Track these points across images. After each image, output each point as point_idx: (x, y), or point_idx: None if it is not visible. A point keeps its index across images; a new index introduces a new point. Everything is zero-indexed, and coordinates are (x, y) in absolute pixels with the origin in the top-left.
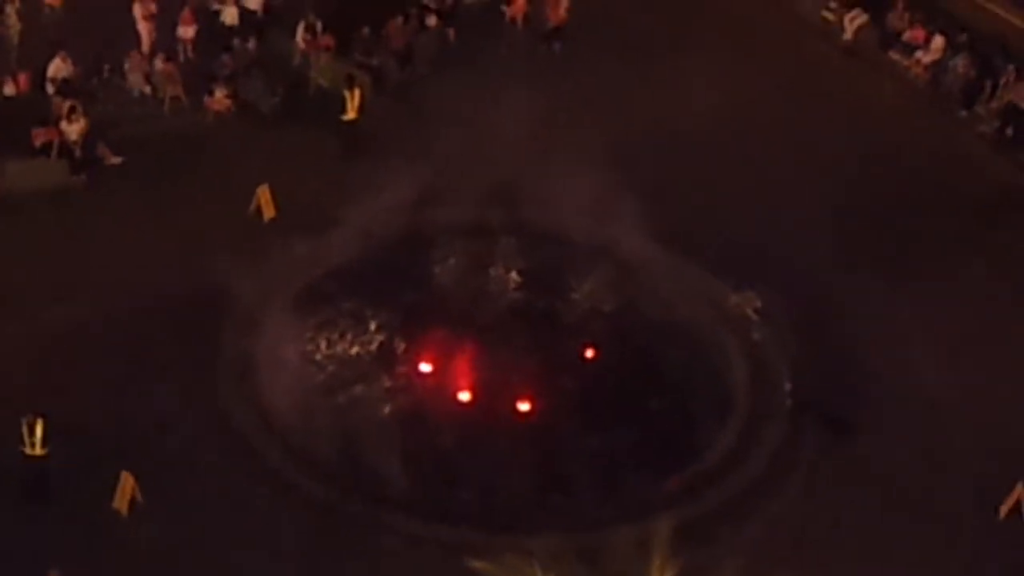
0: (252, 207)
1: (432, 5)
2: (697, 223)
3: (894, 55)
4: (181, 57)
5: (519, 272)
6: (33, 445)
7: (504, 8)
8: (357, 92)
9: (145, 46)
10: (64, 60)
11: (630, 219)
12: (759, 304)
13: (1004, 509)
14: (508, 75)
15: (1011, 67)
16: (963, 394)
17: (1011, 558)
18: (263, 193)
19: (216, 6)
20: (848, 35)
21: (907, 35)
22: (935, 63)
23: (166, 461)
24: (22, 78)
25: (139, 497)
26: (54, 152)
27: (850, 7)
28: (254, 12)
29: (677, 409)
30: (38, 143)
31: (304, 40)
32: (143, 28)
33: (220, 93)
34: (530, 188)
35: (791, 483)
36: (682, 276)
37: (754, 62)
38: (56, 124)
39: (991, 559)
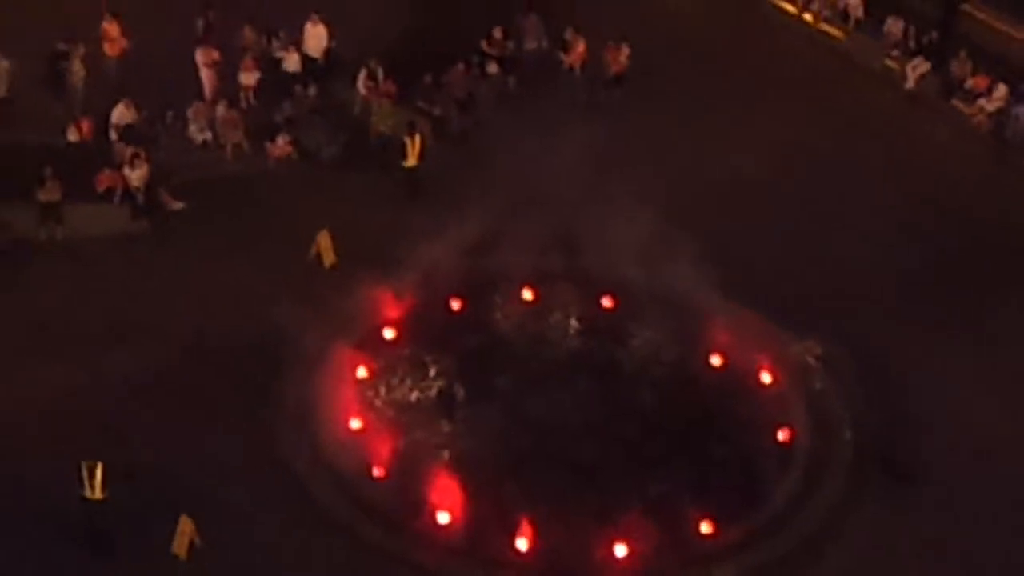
0: (312, 253)
1: (493, 53)
2: (757, 271)
3: (957, 103)
4: (243, 104)
5: (579, 319)
6: (93, 489)
7: (562, 56)
8: (418, 139)
9: (207, 93)
10: (128, 107)
11: (690, 267)
12: (820, 352)
13: None
14: (568, 123)
15: None
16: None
17: None
18: (323, 239)
19: (279, 53)
20: (911, 83)
21: (970, 83)
22: (998, 111)
23: (225, 507)
24: (86, 124)
25: (198, 542)
26: (117, 197)
27: (912, 55)
28: (316, 59)
29: (738, 458)
30: (101, 188)
31: (366, 87)
32: (205, 75)
33: (281, 140)
34: (590, 235)
35: (851, 534)
36: (743, 325)
37: (816, 111)
38: (119, 170)
39: None
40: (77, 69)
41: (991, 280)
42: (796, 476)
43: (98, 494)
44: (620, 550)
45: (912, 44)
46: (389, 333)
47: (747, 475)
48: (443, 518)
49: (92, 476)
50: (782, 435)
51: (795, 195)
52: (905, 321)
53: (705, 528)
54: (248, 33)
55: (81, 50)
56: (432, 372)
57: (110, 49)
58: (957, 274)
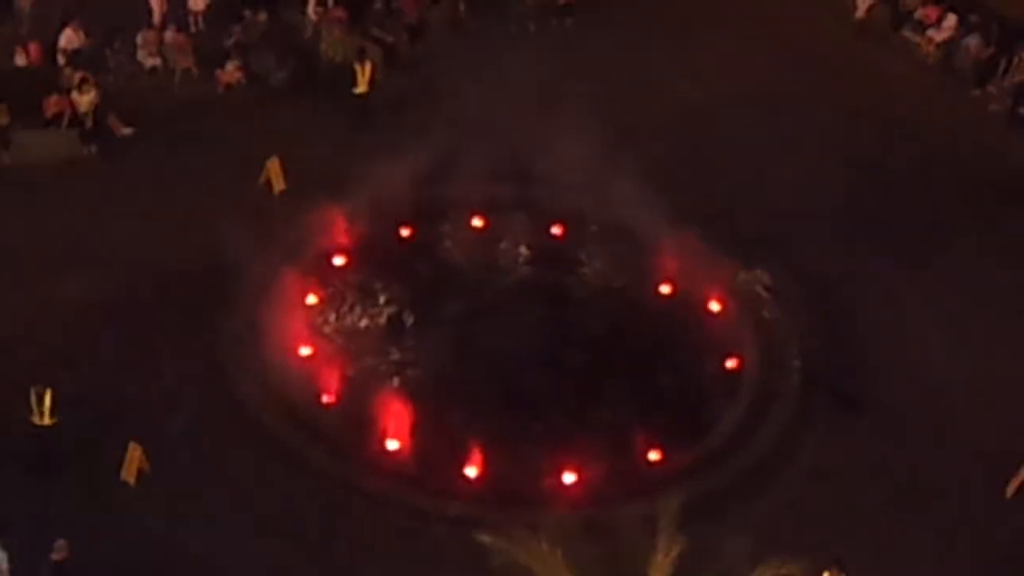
0: (262, 179)
1: None
2: (708, 201)
3: (906, 33)
4: (192, 29)
5: (529, 247)
6: (42, 415)
7: None
8: (368, 65)
9: (156, 18)
10: (75, 31)
11: (640, 195)
12: (769, 282)
13: (1011, 488)
14: (518, 51)
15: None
16: (971, 374)
17: (1018, 537)
18: (273, 166)
19: None
20: (861, 12)
21: (919, 13)
22: (947, 42)
23: (174, 433)
24: (33, 48)
25: (147, 469)
26: (64, 123)
27: None
28: None
29: (686, 386)
30: (49, 114)
31: (316, 13)
32: (154, 0)
33: (231, 66)
34: (540, 163)
35: (799, 461)
36: (692, 254)
37: (765, 40)
38: (67, 95)
39: (998, 538)
40: None
41: (940, 211)
42: (744, 404)
43: (47, 420)
44: (568, 477)
45: None
46: (339, 260)
47: (695, 403)
48: (392, 445)
49: (41, 402)
50: (730, 363)
51: (744, 124)
52: (853, 251)
53: (653, 456)
54: None
55: None
56: (382, 299)
57: None
58: (907, 206)
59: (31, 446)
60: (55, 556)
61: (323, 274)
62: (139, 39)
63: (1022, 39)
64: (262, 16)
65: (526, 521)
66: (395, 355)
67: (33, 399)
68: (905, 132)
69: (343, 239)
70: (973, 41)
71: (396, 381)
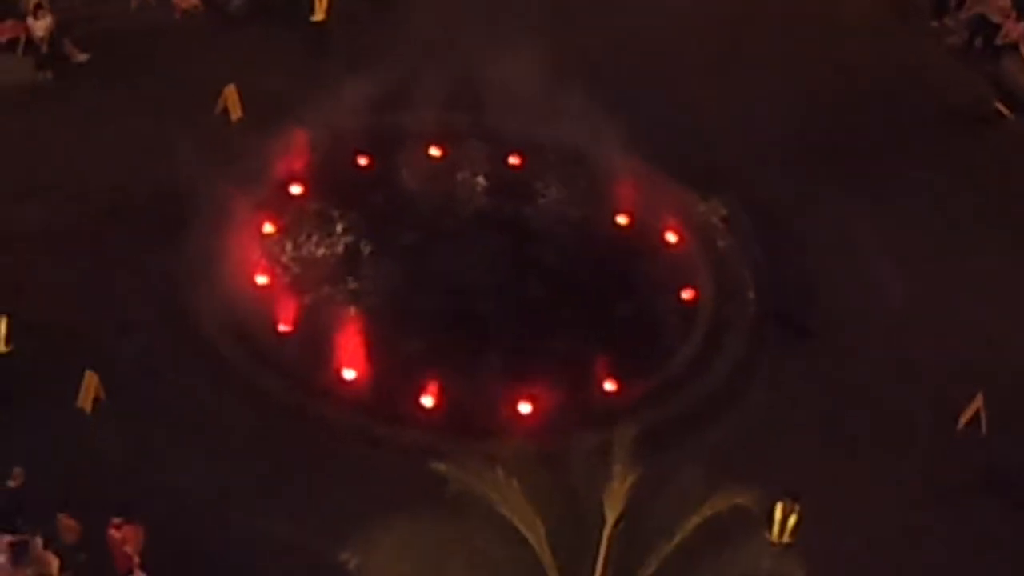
0: (219, 107)
1: None
2: (664, 130)
3: None
4: None
5: (486, 177)
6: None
7: None
8: None
9: None
10: None
11: (598, 127)
12: (725, 212)
13: (963, 419)
14: None
15: None
16: (923, 305)
17: (970, 466)
18: (230, 93)
19: None
20: None
21: None
22: None
23: (130, 361)
24: None
25: (103, 396)
26: (19, 48)
27: None
28: None
29: (642, 317)
30: (3, 39)
31: None
32: None
33: None
34: (499, 93)
35: (752, 391)
36: (649, 183)
37: None
38: (22, 20)
39: (950, 468)
40: None
41: (894, 143)
42: (699, 335)
43: (2, 347)
44: (525, 407)
45: None
46: (296, 188)
47: (651, 334)
48: (349, 374)
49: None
50: (686, 294)
51: (701, 55)
52: (810, 184)
53: (608, 386)
54: None
55: None
56: (339, 228)
57: None
58: (862, 137)
59: None
60: (11, 483)
61: (280, 203)
62: None
63: None
64: None
65: (482, 451)
66: (352, 284)
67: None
68: (860, 64)
69: (301, 167)
70: None
71: (353, 310)
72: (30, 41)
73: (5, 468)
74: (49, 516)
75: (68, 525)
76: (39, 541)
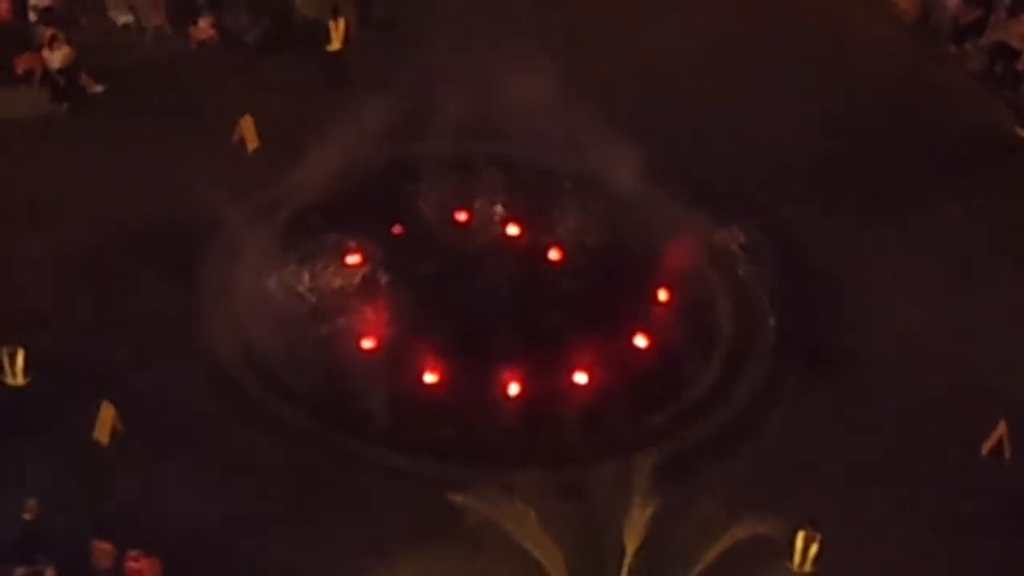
0: (235, 137)
1: None
2: (683, 160)
3: None
4: None
5: (503, 205)
6: (14, 375)
7: None
8: (342, 22)
9: None
10: None
11: (616, 155)
12: (743, 240)
13: (986, 446)
14: (494, 9)
15: (1003, 4)
16: (943, 332)
17: (993, 494)
18: (246, 123)
19: None
20: None
21: None
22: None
23: (148, 392)
24: (4, 4)
25: (120, 428)
26: (36, 80)
27: None
28: None
29: (661, 345)
30: (20, 71)
31: None
32: None
33: (204, 23)
34: (515, 122)
35: (773, 420)
36: (667, 212)
37: None
38: (38, 52)
39: (972, 496)
40: None
41: (914, 169)
42: (718, 363)
43: (19, 380)
44: (543, 438)
45: None
46: (313, 218)
47: (670, 362)
48: (364, 404)
49: (13, 362)
50: (705, 322)
51: (722, 81)
52: (829, 210)
53: (627, 416)
54: None
55: None
56: (357, 258)
57: None
58: (881, 164)
59: (3, 407)
60: (27, 516)
61: (298, 232)
62: None
63: None
64: None
65: (500, 481)
66: (369, 315)
67: (5, 359)
68: (880, 89)
69: (317, 198)
70: None
71: (370, 341)
72: (46, 72)
73: (22, 500)
74: (68, 546)
75: (103, 549)
76: (51, 573)
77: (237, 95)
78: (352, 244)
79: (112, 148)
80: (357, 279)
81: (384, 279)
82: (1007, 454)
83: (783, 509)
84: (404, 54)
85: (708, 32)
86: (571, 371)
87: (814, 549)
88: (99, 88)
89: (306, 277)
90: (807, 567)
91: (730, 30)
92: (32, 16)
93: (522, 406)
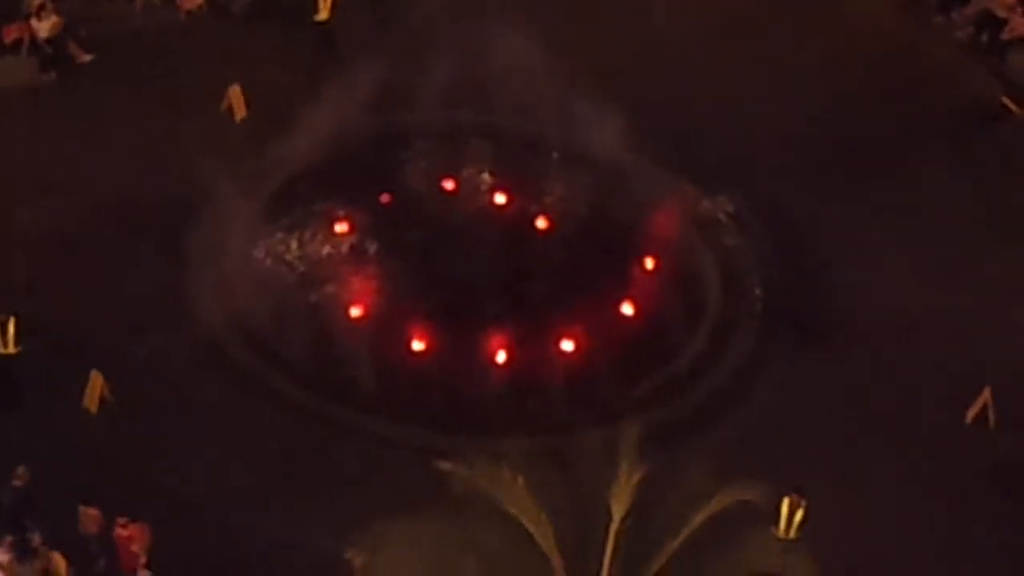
0: (223, 107)
1: None
2: (672, 132)
3: None
4: None
5: (491, 175)
6: (5, 343)
7: None
8: None
9: None
10: None
11: (605, 127)
12: (731, 209)
13: (970, 415)
14: None
15: None
16: (931, 303)
17: (977, 460)
18: (234, 93)
19: None
20: None
21: None
22: None
23: (136, 360)
24: None
25: (109, 396)
26: (24, 50)
27: None
28: None
29: (648, 314)
30: (8, 40)
31: None
32: None
33: None
34: (504, 92)
35: (760, 389)
36: (655, 182)
37: None
38: (27, 21)
39: (957, 462)
40: None
41: (903, 140)
42: (706, 333)
43: (11, 348)
44: (531, 405)
45: None
46: (301, 187)
47: (657, 330)
48: (353, 372)
49: (4, 330)
50: (693, 292)
51: (712, 57)
52: (817, 181)
53: (615, 383)
54: None
55: None
56: (344, 226)
57: None
58: (869, 137)
59: None
60: (16, 482)
61: (286, 201)
62: None
63: None
64: None
65: (488, 449)
66: (357, 283)
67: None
68: (867, 63)
69: (305, 166)
70: None
71: (358, 309)
72: (34, 42)
73: (12, 467)
74: (58, 514)
75: (91, 515)
76: (38, 539)
77: (225, 65)
78: (340, 213)
79: (101, 118)
80: (345, 247)
81: (372, 247)
82: (991, 421)
83: (769, 476)
84: (392, 23)
85: (702, 8)
86: (559, 339)
87: (799, 515)
88: (87, 58)
89: (294, 245)
90: (792, 533)
91: (723, 6)
92: None
93: (510, 374)
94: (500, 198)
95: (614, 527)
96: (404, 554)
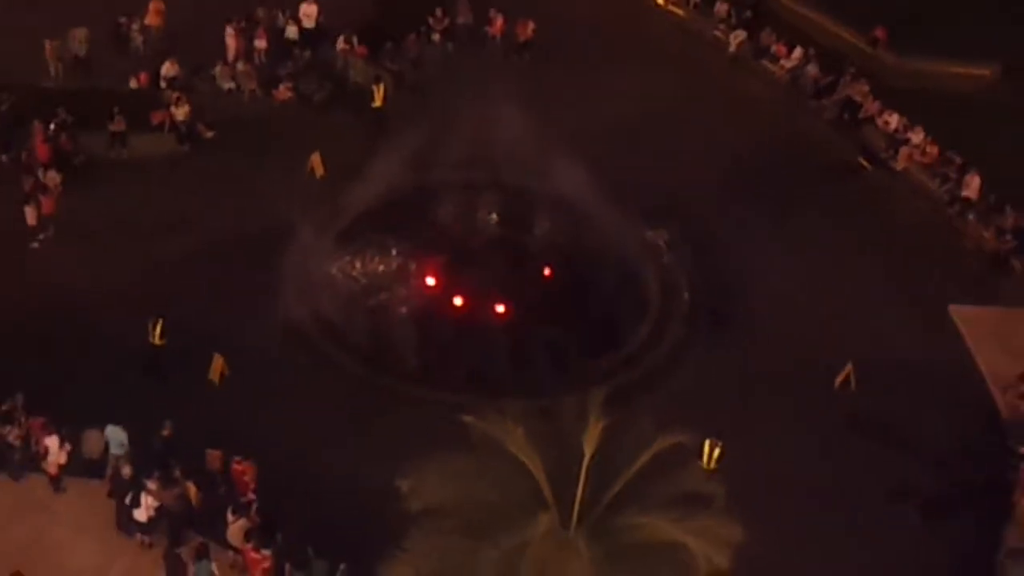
0: (307, 168)
1: (436, 26)
2: (624, 181)
3: (765, 62)
4: (256, 62)
5: (497, 215)
6: (155, 337)
7: (487, 28)
8: (382, 87)
9: (231, 54)
10: (173, 63)
11: (578, 179)
12: (667, 237)
13: (837, 381)
14: (490, 78)
15: (848, 71)
16: (809, 298)
17: (840, 415)
18: (316, 158)
19: (282, 24)
20: (732, 48)
21: (774, 48)
22: (794, 68)
23: (247, 350)
24: (143, 76)
25: (227, 372)
26: (166, 128)
27: (734, 28)
28: (309, 29)
29: (608, 311)
30: (154, 122)
31: (344, 49)
32: (230, 41)
33: (284, 87)
34: (507, 157)
35: (687, 364)
36: (613, 218)
37: (667, 69)
38: (167, 108)
39: (826, 416)
40: (136, 36)
41: (788, 186)
42: (649, 323)
43: (158, 341)
44: (528, 375)
45: (734, 20)
46: (363, 224)
47: (614, 323)
48: (401, 354)
49: (155, 328)
50: (640, 294)
51: (653, 128)
52: (729, 216)
53: (585, 361)
54: (260, 11)
55: (139, 22)
56: (393, 251)
57: (155, 20)
58: (766, 183)
59: (149, 358)
60: (163, 432)
61: (352, 234)
62: (218, 69)
63: (846, 66)
64: (307, 52)
65: (496, 407)
66: (403, 291)
67: (150, 326)
68: (764, 131)
69: (366, 209)
70: (811, 68)
71: (404, 309)
72: (173, 123)
73: (160, 423)
74: (191, 455)
75: (214, 456)
76: (177, 472)
77: (308, 138)
78: (391, 242)
79: (220, 177)
80: (394, 266)
81: (413, 266)
82: (852, 386)
83: (695, 426)
84: (426, 109)
85: (644, 92)
86: (545, 329)
87: (717, 453)
88: (210, 134)
89: (358, 265)
90: (712, 465)
91: (659, 91)
92: (163, 83)
93: (511, 354)
94: (505, 231)
95: (585, 462)
96: (438, 481)
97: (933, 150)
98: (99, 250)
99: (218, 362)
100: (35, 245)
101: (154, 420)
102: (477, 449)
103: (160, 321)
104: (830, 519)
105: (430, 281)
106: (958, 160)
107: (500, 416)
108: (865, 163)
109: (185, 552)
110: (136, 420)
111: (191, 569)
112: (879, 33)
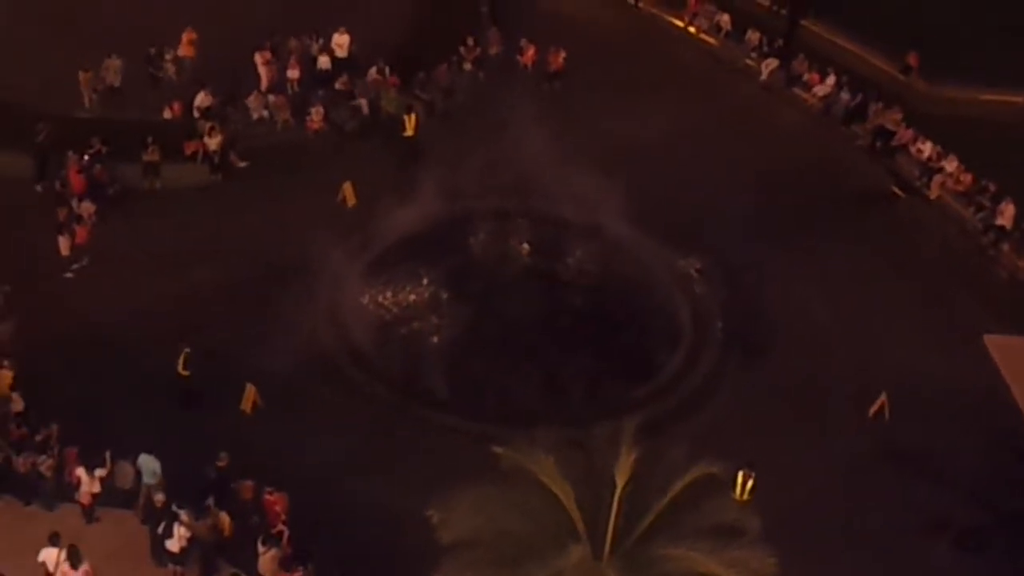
0: (339, 198)
1: (467, 55)
2: (657, 211)
3: (797, 91)
4: (289, 91)
5: (529, 244)
6: (184, 367)
7: (518, 57)
8: (414, 116)
9: (263, 84)
10: (206, 93)
11: (610, 207)
12: (699, 266)
13: (871, 412)
14: (521, 106)
15: (874, 98)
16: (843, 331)
17: (874, 445)
18: (347, 188)
19: (314, 54)
20: (764, 76)
21: (806, 76)
22: (827, 96)
23: (278, 378)
24: (176, 106)
25: (259, 402)
26: (199, 158)
27: (766, 56)
28: (341, 59)
29: (641, 340)
30: (188, 152)
31: (377, 79)
32: (262, 71)
33: (316, 116)
34: (538, 185)
35: (720, 393)
36: (645, 247)
37: (698, 97)
38: (201, 138)
39: (861, 445)
40: (169, 66)
41: (819, 215)
42: (682, 352)
43: (183, 371)
44: (559, 404)
45: (765, 48)
46: (394, 253)
47: (647, 352)
48: (432, 383)
49: (182, 359)
50: (672, 324)
51: (684, 156)
52: (761, 244)
53: (617, 391)
54: (293, 41)
55: (172, 53)
56: (425, 280)
57: (188, 51)
58: (798, 211)
59: (180, 389)
60: (219, 463)
61: (383, 263)
62: (251, 99)
63: (878, 94)
64: (339, 82)
65: (528, 437)
66: (435, 320)
67: (182, 356)
68: (796, 159)
69: (398, 238)
70: (844, 95)
71: (435, 338)
72: (206, 153)
73: (190, 452)
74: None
75: (246, 486)
76: (210, 501)
77: (340, 167)
78: (422, 271)
79: (252, 206)
80: (425, 295)
81: (445, 295)
82: (886, 417)
83: (728, 456)
84: (457, 138)
85: (677, 121)
86: (577, 359)
87: (750, 484)
88: (243, 164)
89: (389, 294)
90: (745, 497)
91: (690, 119)
92: (196, 113)
93: (544, 384)
94: (535, 260)
95: (618, 493)
96: (469, 512)
97: (967, 178)
98: (133, 280)
99: (251, 392)
100: (69, 275)
101: (186, 449)
102: (508, 479)
103: (186, 352)
104: (864, 551)
105: (461, 309)
106: (992, 188)
107: (531, 446)
108: (898, 191)
109: None
110: (166, 451)
111: None
112: (912, 60)
